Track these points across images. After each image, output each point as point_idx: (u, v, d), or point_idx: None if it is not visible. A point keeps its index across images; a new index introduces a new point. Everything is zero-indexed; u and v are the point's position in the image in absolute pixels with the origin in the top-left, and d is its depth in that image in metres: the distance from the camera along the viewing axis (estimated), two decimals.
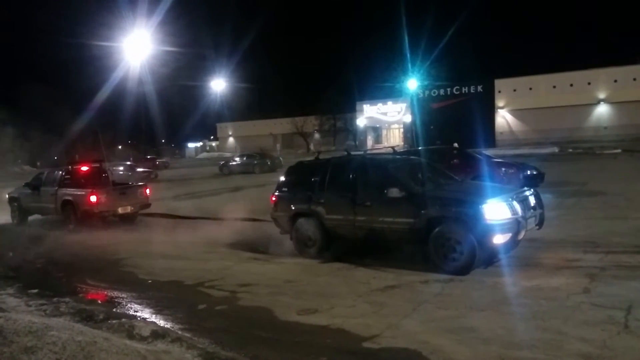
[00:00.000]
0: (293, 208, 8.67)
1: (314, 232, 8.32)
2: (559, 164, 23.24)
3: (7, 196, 15.64)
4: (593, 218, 9.96)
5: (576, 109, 45.74)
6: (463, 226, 6.77)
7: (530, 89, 48.86)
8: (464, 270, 6.67)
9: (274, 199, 9.19)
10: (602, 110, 46.39)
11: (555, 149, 34.14)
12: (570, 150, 33.74)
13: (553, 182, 15.00)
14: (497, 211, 6.63)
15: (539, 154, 29.48)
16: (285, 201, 8.90)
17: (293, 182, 9.10)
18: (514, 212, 6.73)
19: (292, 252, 8.55)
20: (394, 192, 7.31)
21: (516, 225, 6.71)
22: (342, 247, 8.26)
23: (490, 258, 6.97)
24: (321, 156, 9.32)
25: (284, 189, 9.15)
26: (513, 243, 7.10)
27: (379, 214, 7.57)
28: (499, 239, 6.63)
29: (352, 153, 9.09)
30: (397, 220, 7.36)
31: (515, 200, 6.93)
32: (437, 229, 6.92)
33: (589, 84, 46.31)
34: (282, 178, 9.43)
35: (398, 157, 9.17)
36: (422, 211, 7.09)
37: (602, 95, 45.99)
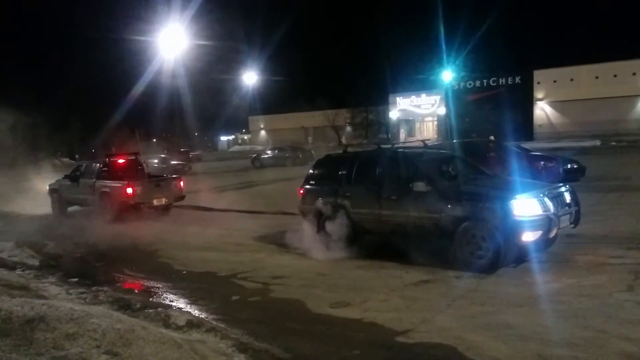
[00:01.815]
0: (320, 201, 8.59)
1: (340, 226, 8.19)
2: (601, 157, 22.53)
3: (47, 188, 16.11)
4: (637, 214, 9.60)
5: (619, 101, 44.16)
6: (490, 223, 6.52)
7: (572, 80, 47.39)
8: (489, 268, 6.44)
9: (301, 192, 9.16)
10: None
11: (597, 142, 33.18)
12: (613, 143, 32.72)
13: (595, 176, 14.55)
14: (526, 207, 6.36)
15: (580, 148, 28.65)
16: (313, 194, 8.85)
17: (321, 175, 9.02)
18: (545, 208, 6.44)
19: (322, 246, 8.41)
20: (420, 186, 7.14)
21: (547, 223, 6.40)
22: (370, 243, 8.15)
23: (519, 256, 6.67)
24: (351, 149, 9.24)
25: (311, 182, 9.10)
26: (546, 241, 6.81)
27: (404, 209, 7.39)
28: (528, 237, 6.35)
29: (382, 146, 8.92)
30: (422, 215, 7.17)
31: (547, 197, 6.63)
32: (463, 225, 6.71)
33: (634, 74, 44.58)
34: (310, 171, 9.35)
35: (427, 150, 8.92)
36: (448, 206, 6.88)
37: None
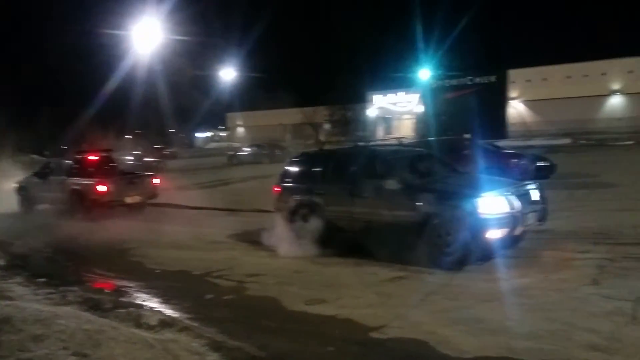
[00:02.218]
0: (295, 199, 8.57)
1: (314, 224, 8.15)
2: (572, 155, 23.01)
3: (15, 185, 15.71)
4: (604, 210, 9.85)
5: (590, 100, 45.17)
6: (457, 220, 6.59)
7: (544, 79, 48.28)
8: (457, 265, 6.50)
9: (276, 189, 9.10)
10: (616, 102, 45.81)
11: (568, 141, 33.84)
12: (583, 141, 33.41)
13: (565, 173, 14.85)
14: (492, 205, 6.45)
15: (551, 146, 29.17)
16: (288, 192, 8.81)
17: (296, 173, 8.99)
18: (510, 206, 6.54)
19: (297, 244, 8.28)
20: (391, 184, 7.20)
21: (513, 221, 6.51)
22: (345, 241, 8.08)
23: (486, 253, 6.72)
24: (329, 147, 9.23)
25: (286, 180, 9.04)
26: (513, 238, 6.91)
27: (376, 206, 7.44)
28: (494, 234, 6.43)
29: (358, 144, 8.96)
30: (393, 213, 7.22)
31: (514, 195, 6.73)
32: (430, 223, 6.77)
33: (604, 74, 45.68)
34: (285, 169, 9.29)
35: (400, 148, 8.95)
36: (418, 204, 6.94)
37: (616, 86, 45.38)
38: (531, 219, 6.96)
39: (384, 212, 7.33)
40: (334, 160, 8.41)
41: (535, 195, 7.20)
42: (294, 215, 8.52)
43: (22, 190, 15.31)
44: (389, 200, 7.25)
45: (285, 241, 8.39)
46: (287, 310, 5.71)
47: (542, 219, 7.26)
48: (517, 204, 6.63)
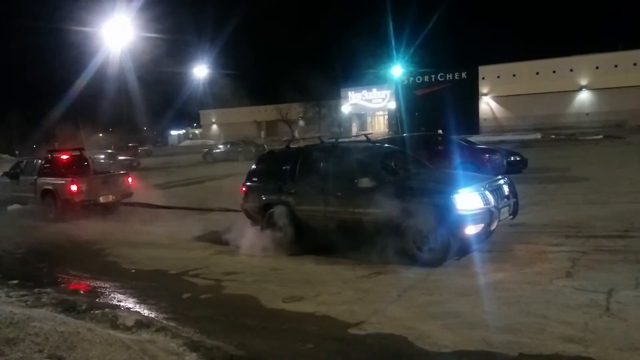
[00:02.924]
0: (263, 198, 8.42)
1: (285, 224, 8.04)
2: (542, 150, 23.49)
3: None
4: (575, 203, 10.08)
5: (559, 96, 46.22)
6: (434, 217, 6.60)
7: (514, 75, 49.22)
8: (437, 262, 6.56)
9: (244, 189, 8.92)
10: (584, 97, 46.93)
11: (538, 136, 34.52)
12: (553, 136, 34.14)
13: (536, 168, 15.16)
14: (468, 201, 6.48)
15: (522, 140, 29.73)
16: (256, 191, 8.65)
17: (264, 172, 8.82)
18: (486, 202, 6.60)
19: (267, 244, 8.18)
20: (365, 182, 7.13)
21: (489, 216, 6.57)
22: (315, 240, 7.99)
23: (463, 249, 6.83)
24: (294, 145, 9.09)
25: (254, 179, 8.86)
26: (486, 233, 7.01)
27: (349, 205, 7.35)
28: (471, 230, 6.49)
29: (325, 142, 8.85)
30: (368, 211, 7.14)
31: (488, 190, 6.79)
32: (408, 220, 6.76)
33: (571, 70, 46.76)
34: (253, 167, 9.10)
35: (370, 145, 8.86)
36: (393, 201, 6.86)
37: (584, 82, 46.50)
38: (505, 213, 7.06)
39: (359, 210, 7.25)
40: (303, 158, 8.22)
41: (506, 189, 7.30)
42: (263, 215, 8.40)
43: None
44: (363, 198, 7.17)
45: (255, 242, 8.24)
46: (265, 308, 5.69)
47: (514, 213, 7.37)
48: (492, 198, 6.71)
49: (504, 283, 5.74)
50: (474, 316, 4.84)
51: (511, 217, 7.37)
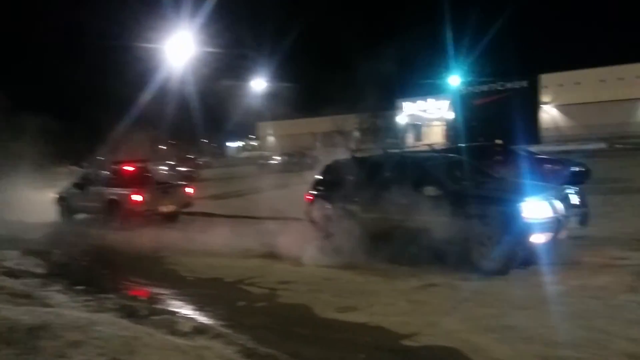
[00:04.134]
0: (328, 207, 8.58)
1: (349, 232, 8.13)
2: (607, 160, 22.39)
3: (55, 195, 16.19)
4: None
5: (626, 104, 44.06)
6: (501, 225, 6.56)
7: (577, 83, 47.32)
8: (502, 270, 6.49)
9: (309, 197, 9.13)
10: None
11: (603, 145, 32.98)
12: (619, 146, 32.50)
13: (600, 178, 14.47)
14: (536, 209, 6.44)
15: (586, 150, 28.45)
16: (321, 200, 8.83)
17: (328, 181, 9.01)
18: (554, 210, 6.53)
19: (330, 251, 8.27)
20: (431, 190, 7.19)
21: (556, 224, 6.50)
22: (377, 248, 8.02)
23: (529, 258, 6.69)
24: (360, 154, 9.25)
25: (319, 188, 9.08)
26: (554, 243, 6.82)
27: (415, 213, 7.38)
28: (539, 238, 6.42)
29: (389, 151, 8.95)
30: (434, 219, 7.14)
31: (556, 199, 6.72)
32: (474, 228, 6.75)
33: (639, 77, 44.45)
34: (317, 177, 9.31)
35: (435, 154, 8.94)
36: (459, 209, 6.89)
37: None
38: (573, 222, 6.95)
39: (424, 218, 7.25)
40: (367, 168, 8.40)
41: (575, 199, 7.20)
42: (328, 223, 8.52)
43: (62, 200, 15.81)
44: (428, 206, 7.20)
45: (318, 249, 8.37)
46: (318, 317, 5.72)
47: (583, 222, 7.24)
48: (559, 207, 6.64)
49: (565, 296, 5.54)
50: (532, 330, 4.69)
51: (581, 226, 7.23)
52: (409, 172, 7.86)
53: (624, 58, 44.30)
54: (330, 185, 8.83)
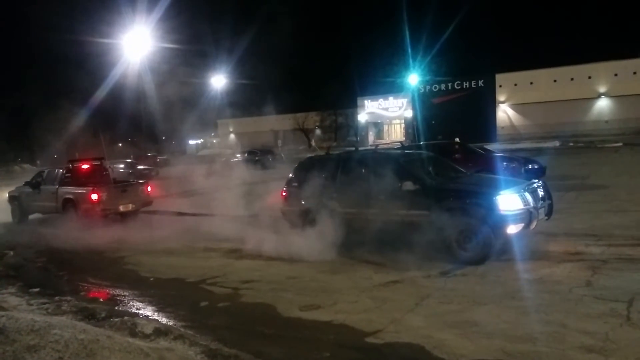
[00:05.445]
0: (304, 203, 8.70)
1: (327, 227, 8.21)
2: (560, 157, 23.22)
3: (7, 195, 15.61)
4: (594, 211, 9.94)
5: (577, 103, 45.74)
6: (478, 217, 6.91)
7: (531, 83, 48.87)
8: (480, 260, 6.85)
9: (284, 194, 9.32)
10: (603, 104, 46.38)
11: (557, 143, 34.12)
12: (571, 144, 33.68)
13: (554, 175, 14.96)
14: (510, 202, 6.83)
15: (540, 148, 29.43)
16: (296, 196, 8.96)
17: (304, 177, 9.12)
18: (525, 203, 6.94)
19: (306, 247, 8.21)
20: (409, 185, 7.45)
21: (528, 216, 6.91)
22: (353, 244, 8.12)
23: (503, 248, 7.10)
24: (324, 152, 9.40)
25: (294, 184, 9.24)
26: (525, 233, 7.29)
27: (393, 207, 7.61)
28: (512, 229, 6.83)
29: (360, 148, 9.19)
30: (411, 213, 7.44)
31: (527, 192, 7.11)
32: (452, 221, 7.02)
33: (590, 77, 46.28)
34: (292, 174, 9.50)
35: (408, 151, 9.26)
36: (437, 203, 7.20)
37: (602, 89, 45.97)
38: (542, 214, 7.37)
39: (401, 212, 7.52)
40: (343, 164, 8.61)
41: (541, 192, 7.58)
42: (304, 218, 8.65)
43: (15, 200, 15.25)
44: (406, 200, 7.46)
45: (293, 245, 8.35)
46: (282, 316, 5.71)
47: (549, 213, 7.67)
48: (530, 200, 7.03)
49: (523, 291, 5.69)
50: (492, 325, 4.80)
51: (546, 217, 7.65)
52: (385, 168, 7.98)
53: (575, 59, 46.02)
54: (305, 182, 8.91)
